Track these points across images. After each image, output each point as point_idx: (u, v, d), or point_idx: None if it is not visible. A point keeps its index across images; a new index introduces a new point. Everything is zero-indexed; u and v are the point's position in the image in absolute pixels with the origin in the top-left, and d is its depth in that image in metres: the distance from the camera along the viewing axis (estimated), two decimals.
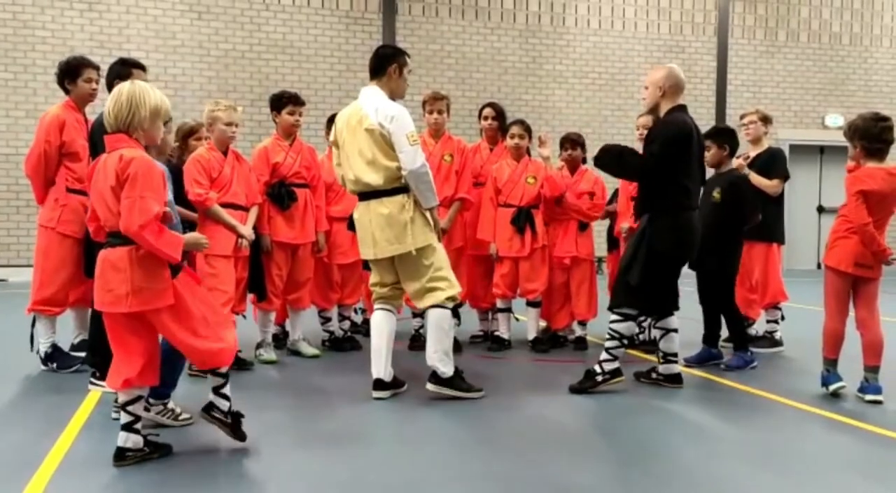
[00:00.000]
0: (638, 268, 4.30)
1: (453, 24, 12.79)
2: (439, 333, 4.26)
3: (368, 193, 4.26)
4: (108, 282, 3.01)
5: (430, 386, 4.30)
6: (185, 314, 3.11)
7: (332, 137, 4.52)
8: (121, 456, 3.12)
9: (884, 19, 14.78)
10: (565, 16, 13.34)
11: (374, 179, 4.20)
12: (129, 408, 3.13)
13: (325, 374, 4.98)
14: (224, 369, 3.28)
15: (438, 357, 4.26)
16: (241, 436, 3.35)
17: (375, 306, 4.44)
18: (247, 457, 3.28)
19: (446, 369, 4.27)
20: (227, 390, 3.32)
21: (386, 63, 4.35)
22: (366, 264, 5.90)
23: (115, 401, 3.42)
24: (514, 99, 12.78)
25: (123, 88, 3.06)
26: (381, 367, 4.29)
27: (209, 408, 3.33)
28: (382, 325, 4.35)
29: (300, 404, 4.18)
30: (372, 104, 4.25)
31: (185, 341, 3.12)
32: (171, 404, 3.69)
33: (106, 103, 3.08)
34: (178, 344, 3.14)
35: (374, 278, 4.47)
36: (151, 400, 3.58)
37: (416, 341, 5.82)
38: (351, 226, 4.57)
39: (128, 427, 3.14)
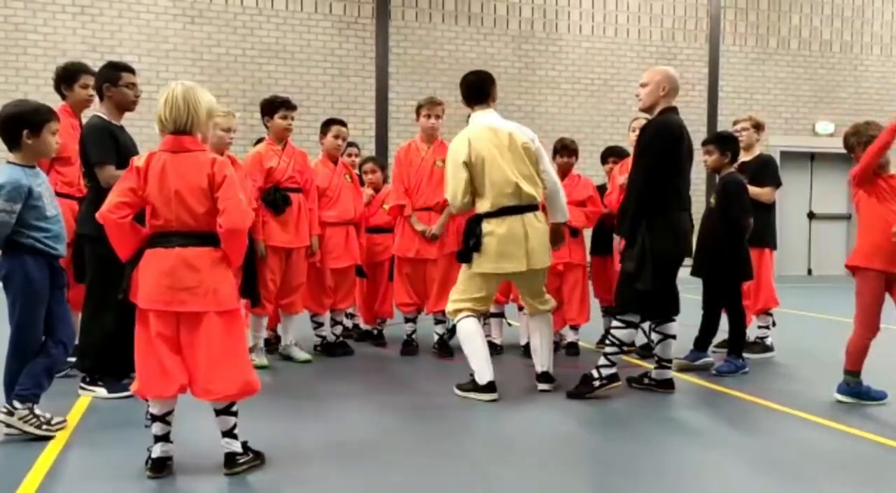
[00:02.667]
0: (648, 272, 4.30)
1: (446, 29, 12.82)
2: (552, 335, 4.79)
3: (523, 208, 4.40)
4: (181, 280, 2.94)
5: (544, 386, 4.62)
6: (238, 327, 3.09)
7: (461, 159, 4.42)
8: (160, 467, 3.07)
9: (874, 27, 14.89)
10: (558, 22, 13.38)
11: (537, 193, 4.46)
12: (168, 418, 3.08)
13: (316, 379, 4.96)
14: (235, 408, 3.13)
15: (551, 356, 4.70)
16: (262, 458, 3.23)
17: (466, 315, 4.48)
18: None
19: (551, 364, 4.68)
20: (236, 429, 3.14)
21: (486, 87, 4.65)
22: (359, 271, 5.94)
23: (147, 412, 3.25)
24: (506, 104, 12.79)
25: (177, 89, 3.02)
26: (490, 370, 4.42)
27: (233, 462, 3.10)
28: (479, 330, 4.51)
29: (291, 409, 4.17)
30: (513, 126, 4.54)
31: (227, 356, 2.99)
32: (37, 411, 3.57)
33: (159, 104, 3.03)
34: (217, 359, 2.96)
35: (482, 293, 4.49)
36: (17, 404, 3.49)
37: (408, 347, 5.82)
38: (472, 246, 4.45)
39: (164, 438, 3.09)
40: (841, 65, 14.74)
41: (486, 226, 4.40)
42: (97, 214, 3.06)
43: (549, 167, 4.61)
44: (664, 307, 4.56)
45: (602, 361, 4.47)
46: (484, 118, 4.56)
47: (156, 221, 3.02)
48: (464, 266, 4.55)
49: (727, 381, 4.96)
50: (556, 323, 5.86)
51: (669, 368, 4.67)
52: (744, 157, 5.89)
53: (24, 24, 11.01)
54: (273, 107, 5.31)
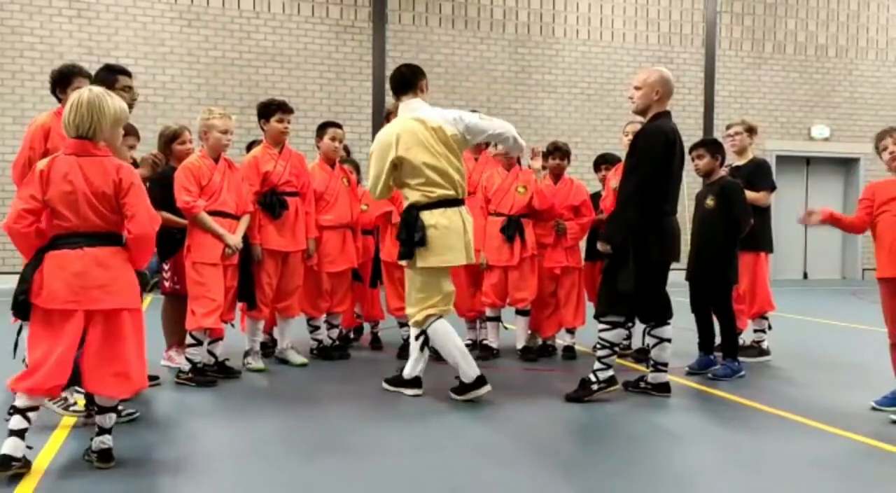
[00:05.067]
0: (630, 276, 4.30)
1: (443, 33, 12.84)
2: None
3: (460, 200, 4.44)
4: (94, 279, 3.01)
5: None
6: (140, 326, 3.17)
7: (389, 155, 4.38)
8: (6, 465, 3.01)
9: (869, 32, 14.95)
10: (554, 26, 13.41)
11: (466, 186, 4.51)
12: (31, 415, 3.06)
13: (313, 382, 4.96)
14: (121, 407, 3.24)
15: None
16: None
17: (437, 318, 4.44)
18: (234, 466, 3.26)
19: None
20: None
21: (416, 79, 4.57)
22: (356, 275, 5.93)
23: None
24: (503, 108, 12.82)
25: (84, 95, 3.06)
26: (474, 363, 4.43)
27: (108, 458, 3.14)
28: (450, 329, 4.46)
29: (288, 412, 4.16)
30: (440, 115, 4.45)
31: (130, 354, 3.09)
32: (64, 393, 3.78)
33: (66, 108, 3.08)
34: (121, 356, 3.07)
35: (443, 291, 4.45)
36: (91, 406, 3.56)
37: (405, 350, 5.80)
38: (417, 240, 4.35)
39: (21, 434, 3.04)
40: (836, 69, 14.80)
41: (428, 218, 4.33)
42: (1, 225, 3.10)
43: (479, 122, 4.50)
44: (658, 311, 4.57)
45: (597, 365, 4.47)
46: (412, 110, 4.49)
47: (61, 223, 3.05)
48: (408, 270, 4.48)
49: (723, 385, 4.96)
50: (551, 327, 5.89)
51: (665, 371, 4.67)
52: (738, 161, 5.91)
53: (21, 26, 11.00)
54: (269, 110, 5.30)
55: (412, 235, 4.31)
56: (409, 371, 4.59)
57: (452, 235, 4.35)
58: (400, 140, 4.37)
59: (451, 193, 4.38)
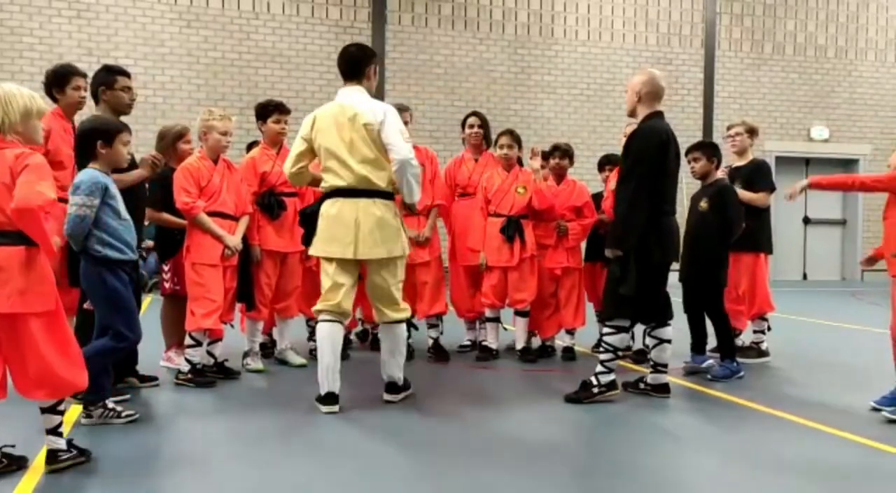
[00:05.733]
0: (633, 278, 4.30)
1: (442, 34, 12.84)
2: (402, 346, 4.46)
3: (361, 191, 4.17)
4: None
5: (389, 397, 4.42)
6: (59, 327, 3.06)
7: (302, 133, 4.29)
8: None
9: (868, 33, 14.96)
10: (554, 27, 13.42)
11: (379, 177, 4.18)
12: None
13: (312, 383, 4.92)
14: (63, 407, 3.17)
15: (399, 368, 4.42)
16: (87, 455, 3.24)
17: (325, 317, 4.20)
18: (233, 467, 3.26)
19: (401, 376, 4.44)
20: (61, 427, 3.18)
21: (363, 65, 4.40)
22: None
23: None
24: (502, 109, 12.83)
25: None
26: (330, 382, 4.17)
27: (55, 459, 3.12)
28: (337, 338, 4.24)
29: (287, 413, 4.16)
30: (365, 104, 4.25)
31: (48, 357, 2.99)
32: (110, 404, 3.86)
33: None
34: (37, 360, 2.98)
35: (329, 282, 4.21)
36: (90, 408, 3.74)
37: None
38: (306, 222, 4.32)
39: None
40: (836, 70, 14.80)
41: (323, 207, 4.24)
42: None
43: (397, 140, 4.15)
44: (659, 312, 4.57)
45: (599, 368, 4.47)
46: (342, 95, 4.33)
47: None
48: None
49: (722, 386, 4.96)
50: (551, 328, 5.88)
51: (665, 372, 4.67)
52: (738, 161, 5.90)
53: (20, 27, 11.00)
54: (267, 111, 5.31)
55: (304, 222, 4.31)
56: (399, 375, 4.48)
57: (339, 228, 4.15)
58: (315, 121, 4.27)
59: (346, 183, 4.16)
